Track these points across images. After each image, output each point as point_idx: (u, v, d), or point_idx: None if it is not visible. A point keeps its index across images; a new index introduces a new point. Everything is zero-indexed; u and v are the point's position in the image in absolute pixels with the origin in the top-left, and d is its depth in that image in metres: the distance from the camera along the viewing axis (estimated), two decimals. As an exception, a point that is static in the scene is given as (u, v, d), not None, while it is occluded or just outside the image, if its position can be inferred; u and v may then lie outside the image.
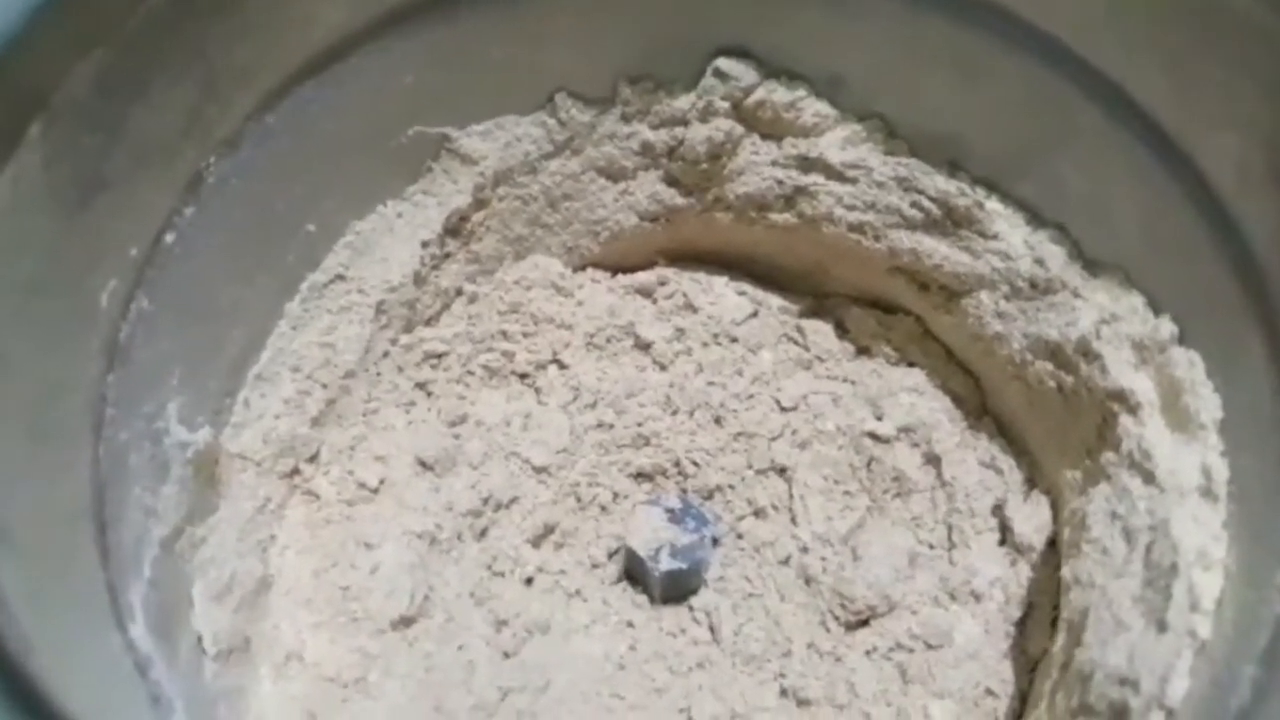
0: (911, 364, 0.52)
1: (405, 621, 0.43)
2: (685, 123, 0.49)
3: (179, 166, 0.39)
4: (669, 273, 0.54)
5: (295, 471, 0.46)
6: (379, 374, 0.49)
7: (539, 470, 0.49)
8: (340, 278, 0.47)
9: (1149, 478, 0.40)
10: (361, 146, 0.46)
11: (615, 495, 0.50)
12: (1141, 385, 0.41)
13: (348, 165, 0.46)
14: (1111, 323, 0.43)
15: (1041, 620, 0.45)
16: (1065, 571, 0.42)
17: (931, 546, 0.48)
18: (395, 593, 0.43)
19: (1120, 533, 0.40)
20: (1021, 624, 0.46)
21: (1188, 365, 0.40)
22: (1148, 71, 0.40)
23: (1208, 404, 0.39)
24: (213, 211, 0.41)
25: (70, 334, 0.36)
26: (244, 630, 0.41)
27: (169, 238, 0.39)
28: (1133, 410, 0.41)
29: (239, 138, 0.41)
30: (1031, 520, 0.46)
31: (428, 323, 0.51)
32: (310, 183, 0.45)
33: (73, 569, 0.32)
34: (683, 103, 0.49)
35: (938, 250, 0.48)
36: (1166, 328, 0.41)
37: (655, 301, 0.54)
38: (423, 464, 0.47)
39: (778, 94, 0.48)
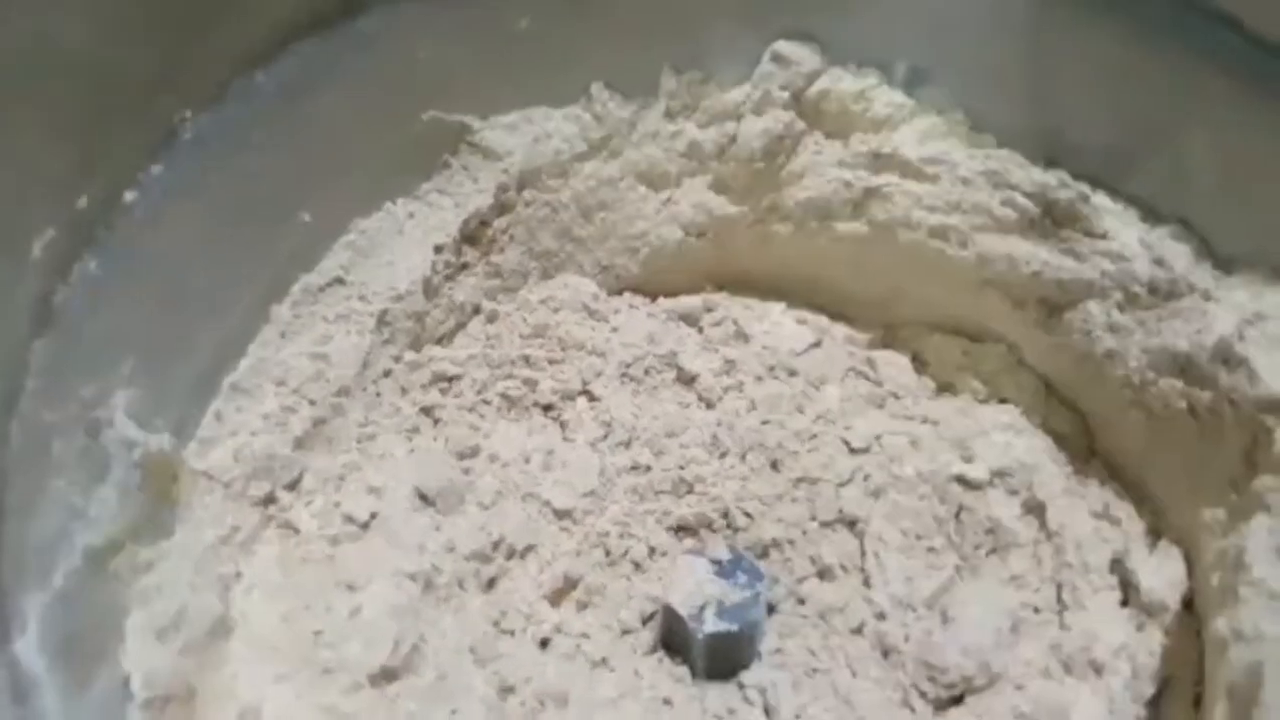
0: (1004, 400, 0.45)
1: (387, 675, 0.35)
2: (738, 117, 0.44)
3: (148, 112, 0.34)
4: (717, 298, 0.48)
5: (271, 499, 0.39)
6: (378, 394, 0.42)
7: (561, 515, 0.42)
8: (339, 281, 0.42)
9: (1325, 500, 0.31)
10: (368, 128, 0.41)
11: (651, 550, 0.42)
12: (1304, 391, 0.34)
13: (352, 149, 0.41)
14: (1256, 323, 0.36)
15: (1181, 696, 0.36)
16: (1219, 625, 0.33)
17: (1038, 609, 0.39)
18: (376, 640, 0.35)
19: (1293, 569, 0.31)
20: (1155, 702, 0.37)
21: (1363, 363, 0.32)
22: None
23: (1396, 407, 0.31)
24: (186, 175, 0.36)
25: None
26: (189, 677, 0.34)
27: (129, 195, 0.34)
28: (1294, 421, 0.33)
29: (223, 92, 0.36)
30: (1161, 574, 0.38)
31: (439, 341, 0.45)
32: (307, 165, 0.40)
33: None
34: (736, 94, 0.44)
35: (1036, 255, 0.41)
36: (1331, 322, 0.34)
37: (701, 330, 0.47)
38: (423, 498, 0.40)
39: (845, 82, 0.43)
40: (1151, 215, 0.40)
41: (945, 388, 0.46)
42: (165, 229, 0.35)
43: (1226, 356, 0.36)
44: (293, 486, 0.40)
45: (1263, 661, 0.30)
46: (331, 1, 0.38)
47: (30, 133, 0.30)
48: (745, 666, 0.40)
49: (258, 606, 0.37)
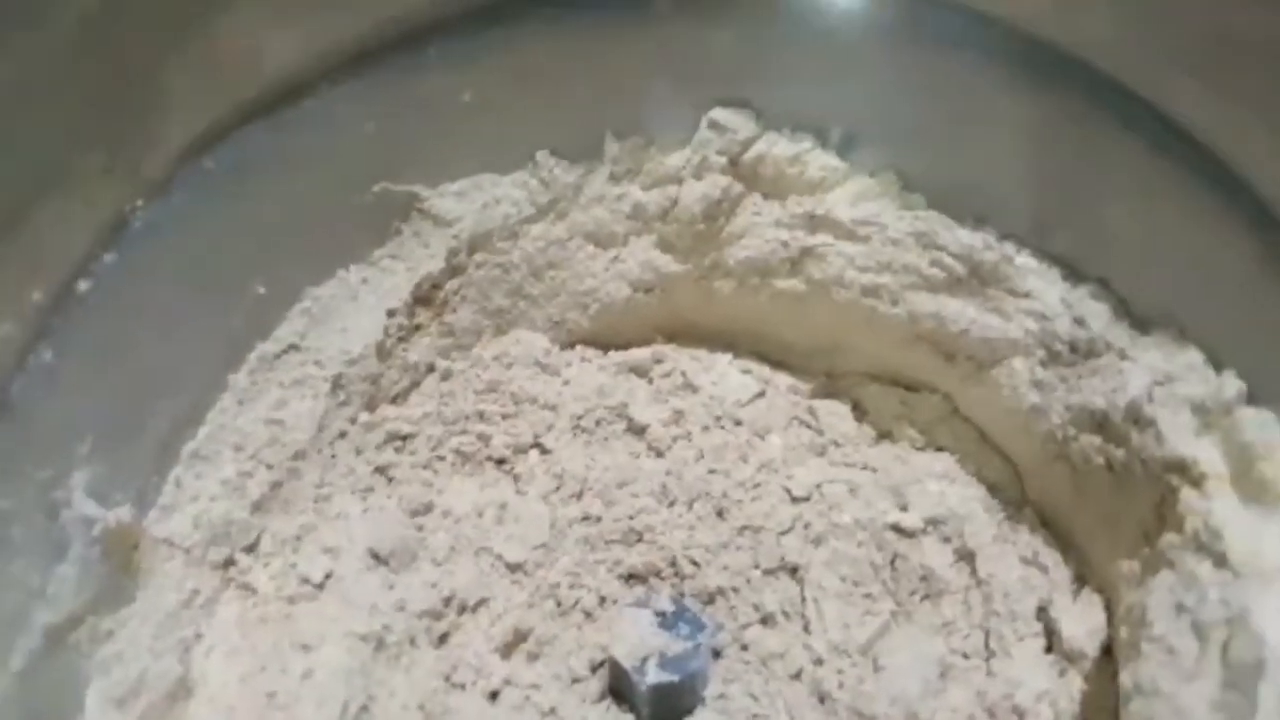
0: (940, 448, 0.46)
1: (339, 735, 0.37)
2: (679, 181, 0.45)
3: (98, 204, 0.35)
4: (666, 350, 0.49)
5: (230, 562, 0.40)
6: (334, 456, 0.43)
7: (513, 568, 0.43)
8: (294, 348, 0.43)
9: (1220, 560, 0.33)
10: (319, 202, 0.42)
11: (602, 599, 0.44)
12: (1206, 453, 0.35)
13: (304, 223, 0.42)
14: (1166, 384, 0.37)
15: (1100, 744, 0.37)
16: (1124, 677, 0.35)
17: (966, 656, 0.41)
18: (327, 701, 0.37)
19: (1189, 628, 0.33)
20: (1076, 749, 0.38)
21: (1259, 427, 0.34)
22: (1192, 91, 0.35)
23: (1288, 471, 0.33)
24: (140, 260, 0.37)
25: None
26: (149, 743, 0.35)
27: (83, 285, 0.35)
28: (1196, 483, 0.35)
29: (171, 180, 0.37)
30: (1082, 623, 0.39)
31: (394, 400, 0.46)
32: (260, 240, 0.41)
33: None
34: (676, 159, 0.45)
35: (964, 313, 0.43)
36: (1232, 385, 0.36)
37: (651, 381, 0.49)
38: (376, 557, 0.42)
39: (779, 147, 0.44)
40: (1073, 275, 0.41)
41: (884, 435, 0.47)
42: (120, 313, 0.36)
43: (1137, 417, 0.37)
44: (251, 549, 0.41)
45: (1155, 718, 0.32)
46: (276, 88, 0.39)
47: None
48: (689, 713, 0.41)
49: (217, 668, 0.38)
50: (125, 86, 0.35)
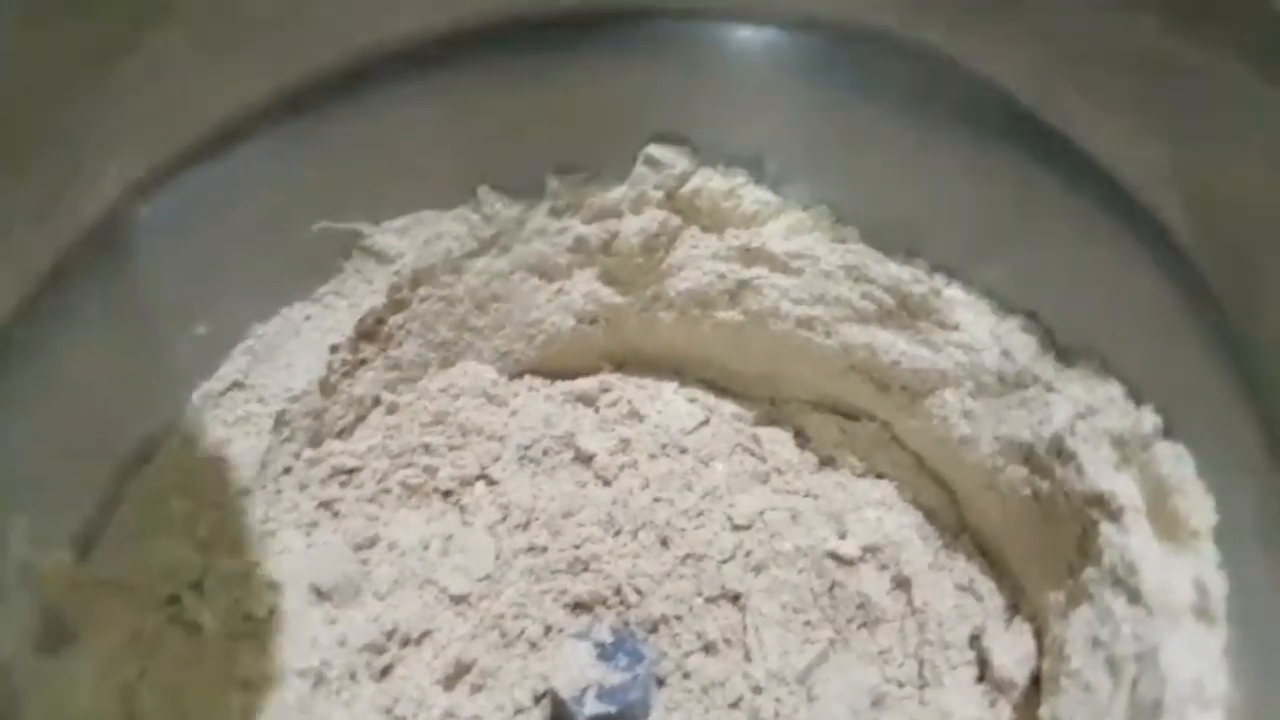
0: (880, 475, 0.47)
1: (273, 774, 0.37)
2: (619, 215, 0.46)
3: (34, 251, 0.36)
4: (613, 379, 0.50)
5: (174, 600, 0.41)
6: (279, 491, 0.44)
7: (457, 600, 0.44)
8: (238, 385, 0.43)
9: (1135, 596, 0.34)
10: (260, 242, 0.43)
11: (547, 629, 0.44)
12: (1124, 487, 0.36)
13: (245, 263, 0.43)
14: (1088, 417, 0.38)
15: (1027, 773, 0.38)
16: (1043, 712, 0.35)
17: (900, 684, 0.41)
18: (270, 740, 0.37)
19: (1103, 663, 0.33)
20: (1005, 778, 0.39)
21: (1175, 461, 0.35)
22: (1108, 129, 0.36)
23: (1200, 507, 0.34)
24: (78, 306, 0.37)
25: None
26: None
27: (20, 332, 0.36)
28: (1114, 516, 0.36)
29: (108, 227, 0.38)
30: (1013, 652, 0.40)
31: (339, 435, 0.46)
32: (200, 280, 0.42)
33: None
34: (615, 194, 0.46)
35: (895, 345, 0.43)
36: (1150, 419, 0.36)
37: (598, 410, 0.49)
38: (318, 593, 0.42)
39: (714, 181, 0.45)
40: (1001, 308, 0.41)
41: (826, 462, 0.47)
42: (60, 356, 0.37)
43: (1060, 449, 0.38)
44: (196, 586, 0.42)
45: (1067, 755, 0.32)
46: (213, 131, 0.40)
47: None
48: (631, 742, 0.42)
49: (159, 708, 0.39)
50: (57, 131, 0.35)
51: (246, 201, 0.42)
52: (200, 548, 0.42)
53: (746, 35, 0.42)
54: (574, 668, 0.42)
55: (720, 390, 0.49)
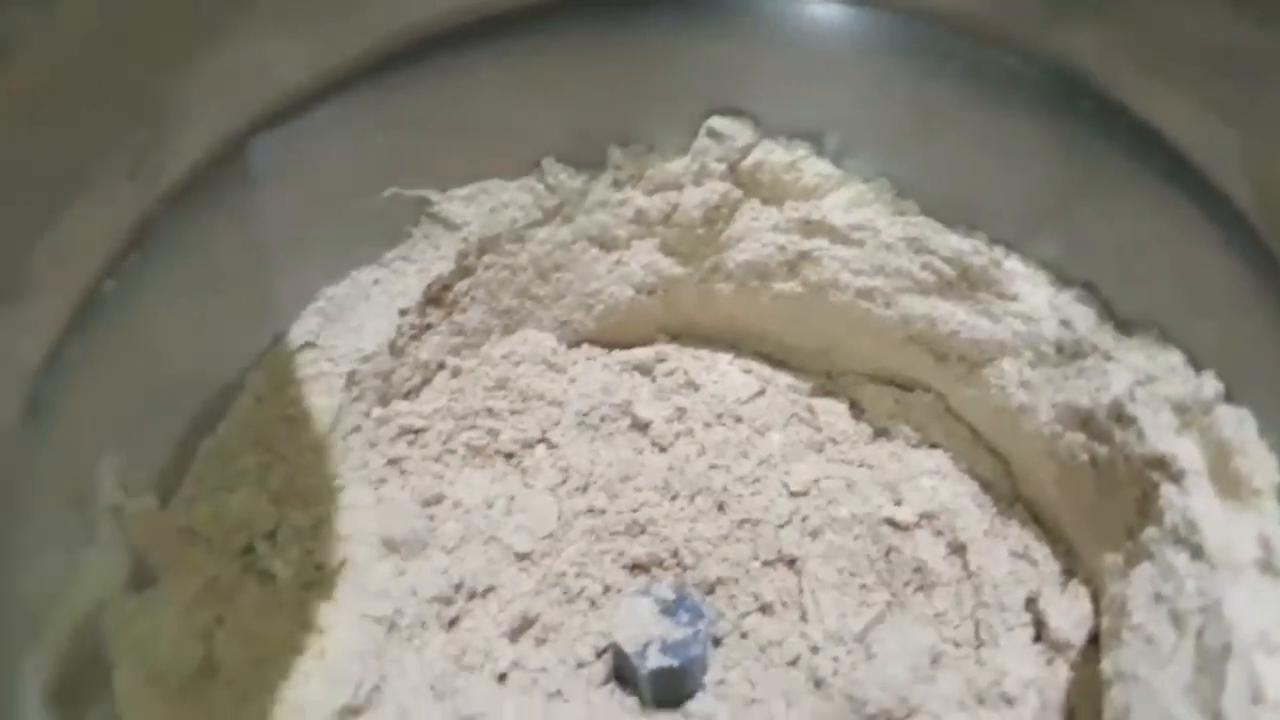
0: (934, 445, 0.47)
1: (351, 712, 0.38)
2: (679, 187, 0.47)
3: (123, 209, 0.37)
4: (669, 349, 0.51)
5: (249, 549, 0.42)
6: (349, 449, 0.45)
7: (521, 557, 0.45)
8: (309, 345, 0.45)
9: (1197, 552, 0.34)
10: (332, 207, 0.44)
11: (606, 588, 0.46)
12: (1185, 450, 0.37)
13: (317, 226, 0.44)
14: (1148, 384, 0.39)
15: (1084, 729, 0.39)
16: (1105, 665, 0.36)
17: (957, 645, 0.42)
18: (341, 680, 0.38)
19: (1167, 617, 0.34)
20: (1061, 735, 0.40)
21: (1236, 424, 0.36)
22: (1172, 103, 0.37)
23: (1262, 466, 0.34)
24: (162, 261, 0.39)
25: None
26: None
27: (108, 285, 0.37)
28: (1175, 478, 0.36)
29: (189, 188, 0.39)
30: (1069, 614, 0.41)
31: (406, 396, 0.47)
32: (276, 243, 0.43)
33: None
34: (676, 166, 0.47)
35: (954, 315, 0.44)
36: (1210, 385, 0.37)
37: (654, 379, 0.50)
38: (388, 545, 0.43)
39: (776, 154, 0.46)
40: (1059, 279, 0.42)
41: (880, 433, 0.48)
42: (144, 312, 0.38)
43: (1120, 414, 0.39)
44: (270, 537, 0.43)
45: (1130, 704, 0.33)
46: (289, 99, 0.41)
47: (14, 229, 0.33)
48: (690, 696, 0.43)
49: (236, 652, 0.40)
50: (143, 98, 0.36)
51: (320, 167, 0.43)
52: (274, 500, 0.43)
53: (811, 10, 0.43)
54: (637, 623, 0.43)
55: (776, 363, 0.50)
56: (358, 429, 0.46)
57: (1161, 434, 0.37)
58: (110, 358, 0.37)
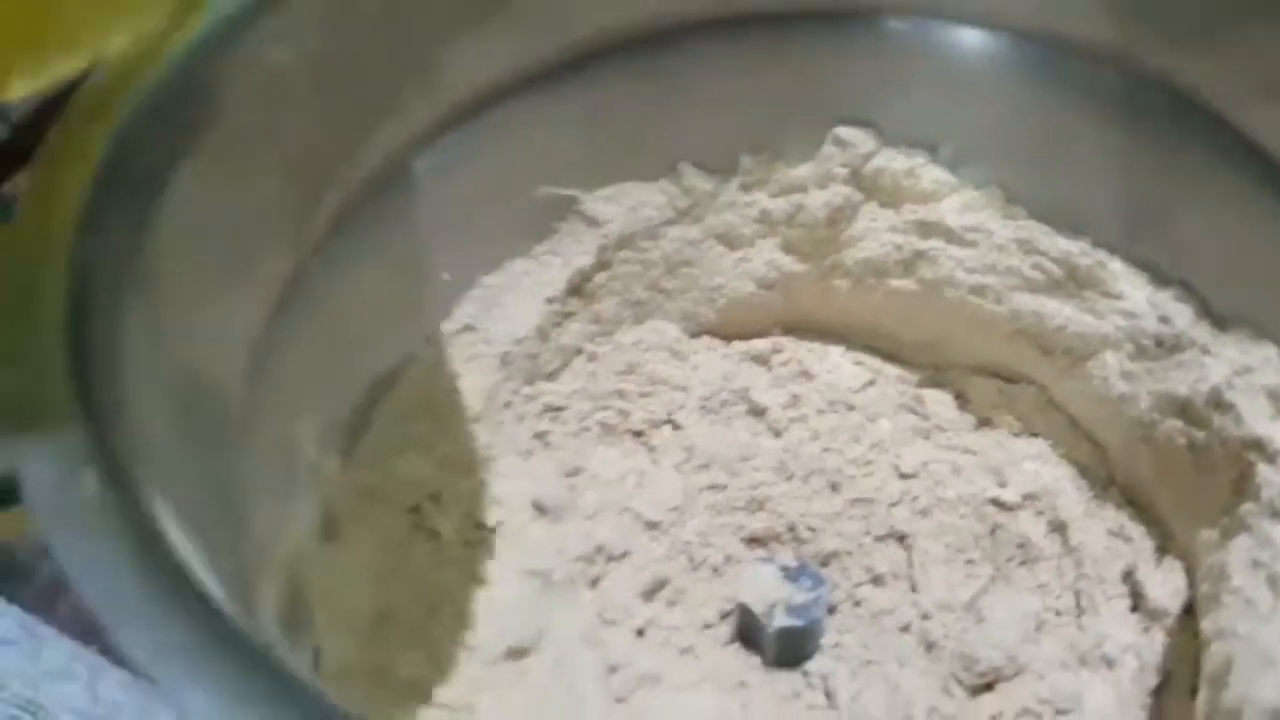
0: (1034, 434, 0.51)
1: (517, 654, 0.43)
2: (804, 190, 0.51)
3: (326, 195, 0.42)
4: (785, 341, 0.55)
5: (417, 509, 0.46)
6: (500, 422, 0.50)
7: (651, 526, 0.49)
8: (469, 328, 0.49)
9: (1293, 523, 0.38)
10: (495, 201, 0.48)
11: (727, 558, 0.50)
12: (1280, 433, 0.40)
13: (482, 219, 0.48)
14: (1244, 374, 0.42)
15: (1180, 690, 0.42)
16: (1205, 625, 0.40)
17: (1059, 613, 0.46)
18: (509, 626, 0.43)
19: (1264, 581, 0.38)
20: (1157, 695, 0.43)
21: (1328, 410, 0.39)
22: (1271, 115, 0.41)
23: (1351, 447, 0.38)
24: (356, 245, 0.43)
25: (217, 347, 0.37)
26: (358, 659, 0.41)
27: (314, 262, 0.42)
28: (1271, 459, 0.40)
29: (385, 177, 0.44)
30: (1165, 586, 0.44)
31: (548, 377, 0.52)
32: (443, 234, 0.47)
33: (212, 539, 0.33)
34: (802, 171, 0.51)
35: (1061, 311, 0.48)
36: (1304, 375, 0.41)
37: (770, 369, 0.54)
38: (539, 509, 0.48)
39: (896, 162, 0.50)
40: (1159, 279, 0.46)
41: (984, 423, 0.52)
42: (339, 290, 0.43)
43: (1218, 402, 0.42)
44: (435, 499, 0.47)
45: (1234, 655, 0.37)
46: (469, 100, 0.46)
47: (251, 226, 0.38)
48: (809, 657, 0.47)
49: (410, 599, 0.44)
50: (356, 92, 0.41)
51: (488, 164, 0.47)
52: (438, 465, 0.47)
53: (934, 32, 0.47)
54: (763, 586, 0.47)
55: (885, 356, 0.54)
56: (509, 404, 0.50)
57: (1258, 419, 0.41)
58: (309, 326, 0.42)
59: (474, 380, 0.49)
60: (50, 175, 0.30)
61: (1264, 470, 0.40)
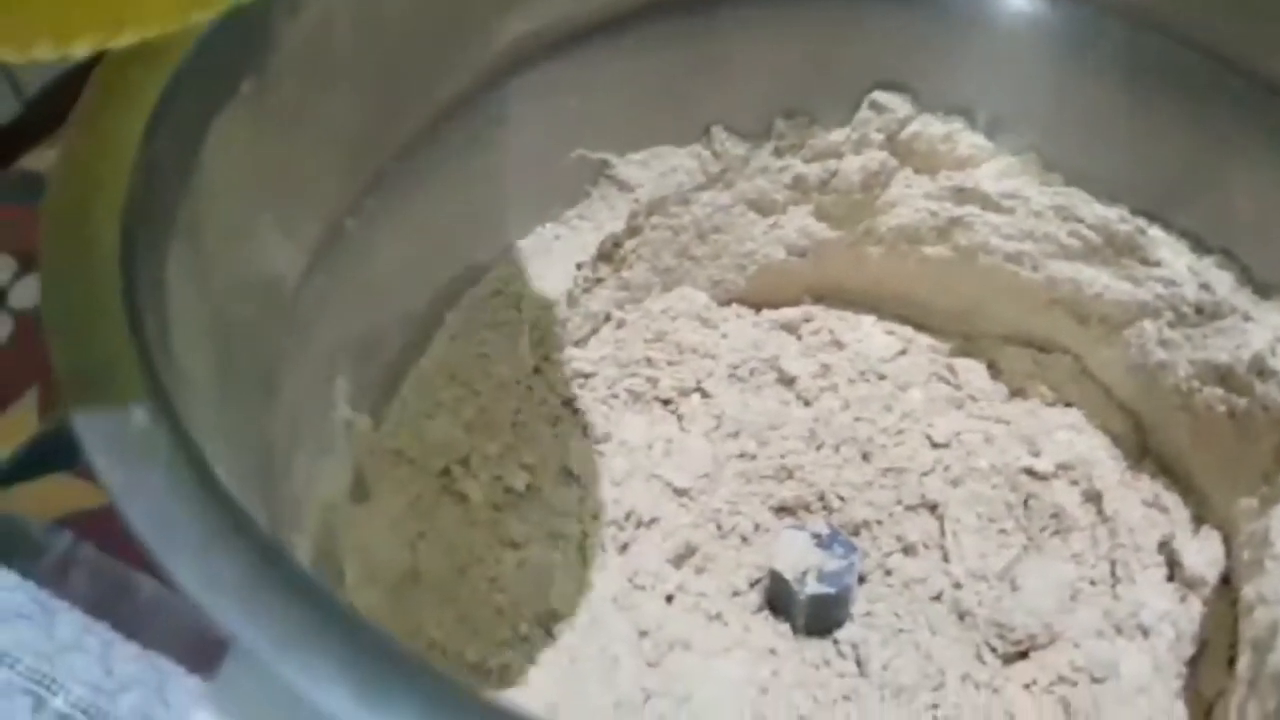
0: (1069, 404, 0.51)
1: (551, 616, 0.42)
2: (839, 155, 0.51)
3: (364, 163, 0.42)
4: (815, 309, 0.54)
5: (446, 472, 0.46)
6: (529, 388, 0.49)
7: (680, 493, 0.49)
8: (498, 293, 0.49)
9: (1338, 488, 0.38)
10: (526, 166, 0.48)
11: (757, 526, 0.49)
12: (1325, 398, 0.40)
13: (513, 184, 0.48)
14: (1287, 342, 0.42)
15: (1217, 659, 0.42)
16: (1247, 591, 0.40)
17: (1093, 582, 0.46)
18: (541, 588, 0.43)
19: (1308, 546, 0.37)
20: (1193, 664, 0.43)
21: (1374, 375, 0.39)
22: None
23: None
24: (391, 207, 0.43)
25: (256, 290, 0.37)
26: (388, 617, 0.41)
27: (350, 223, 0.41)
28: (1316, 425, 0.39)
29: (416, 143, 0.43)
30: (1202, 554, 0.44)
31: (577, 344, 0.51)
32: (477, 197, 0.47)
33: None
34: (837, 136, 0.50)
35: (1098, 279, 0.47)
36: (1349, 341, 0.40)
37: (800, 338, 0.54)
38: (569, 474, 0.47)
39: (933, 127, 0.49)
40: (1200, 246, 0.45)
41: (1017, 393, 0.52)
42: (372, 249, 0.43)
43: (1261, 368, 0.42)
44: (463, 462, 0.47)
45: (1278, 620, 0.36)
46: (499, 64, 0.45)
47: (293, 179, 0.38)
48: (839, 625, 0.47)
49: (439, 561, 0.44)
50: (385, 66, 0.41)
51: (521, 128, 0.47)
52: (466, 429, 0.47)
53: (970, -3, 0.47)
54: (795, 553, 0.46)
55: (917, 325, 0.54)
56: (537, 370, 0.50)
57: (1302, 385, 0.40)
58: (346, 285, 0.41)
59: (503, 345, 0.48)
60: (100, 121, 0.30)
61: (1308, 436, 0.40)
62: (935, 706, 0.43)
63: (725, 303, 0.55)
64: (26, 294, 0.55)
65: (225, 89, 0.33)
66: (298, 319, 0.39)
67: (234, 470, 0.29)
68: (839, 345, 0.53)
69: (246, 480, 0.31)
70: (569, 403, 0.50)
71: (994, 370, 0.52)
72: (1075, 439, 0.49)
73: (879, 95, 0.49)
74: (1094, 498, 0.47)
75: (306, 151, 0.39)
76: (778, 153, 0.51)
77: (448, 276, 0.47)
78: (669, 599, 0.46)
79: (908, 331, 0.54)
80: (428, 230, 0.45)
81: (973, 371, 0.52)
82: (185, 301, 0.30)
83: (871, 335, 0.54)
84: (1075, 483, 0.48)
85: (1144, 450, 0.49)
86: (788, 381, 0.53)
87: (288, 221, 0.38)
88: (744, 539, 0.49)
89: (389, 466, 0.44)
